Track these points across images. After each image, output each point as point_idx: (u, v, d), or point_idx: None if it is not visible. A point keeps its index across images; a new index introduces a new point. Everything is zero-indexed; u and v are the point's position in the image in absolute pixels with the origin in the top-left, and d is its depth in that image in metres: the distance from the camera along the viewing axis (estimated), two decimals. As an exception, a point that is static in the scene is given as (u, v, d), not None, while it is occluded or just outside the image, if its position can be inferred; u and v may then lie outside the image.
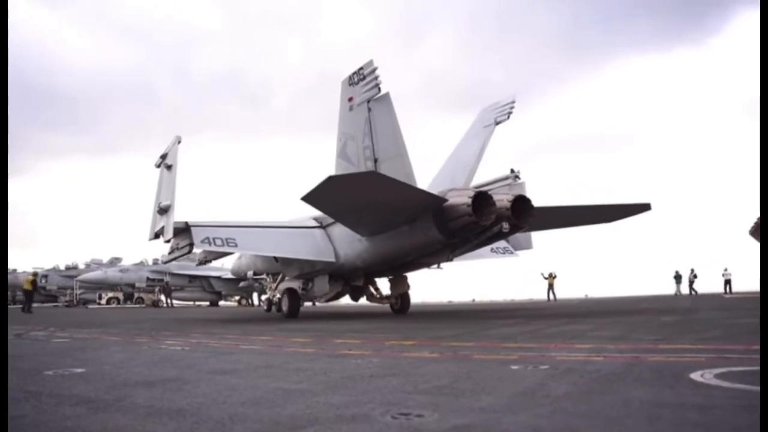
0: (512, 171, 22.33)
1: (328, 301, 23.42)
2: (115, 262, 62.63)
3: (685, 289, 45.56)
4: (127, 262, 60.48)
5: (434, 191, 16.58)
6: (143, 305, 54.82)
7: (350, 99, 17.89)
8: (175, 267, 51.54)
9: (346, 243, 18.67)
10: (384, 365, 6.05)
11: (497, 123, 19.52)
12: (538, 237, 24.61)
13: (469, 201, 15.03)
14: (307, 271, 20.33)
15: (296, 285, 21.42)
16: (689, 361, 5.59)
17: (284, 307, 21.09)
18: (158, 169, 18.75)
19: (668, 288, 46.46)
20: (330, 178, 13.26)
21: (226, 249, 18.05)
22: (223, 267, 45.67)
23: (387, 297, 21.84)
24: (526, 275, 43.17)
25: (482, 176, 23.07)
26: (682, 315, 15.01)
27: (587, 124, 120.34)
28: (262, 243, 19.24)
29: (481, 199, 15.29)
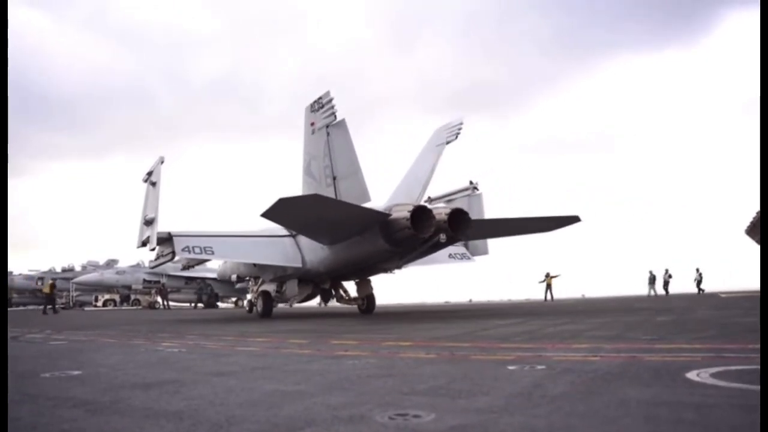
0: (471, 183, 25.44)
1: (300, 302, 25.62)
2: (111, 263, 62.50)
3: (659, 289, 45.46)
4: (123, 264, 60.32)
5: (393, 202, 18.91)
6: (139, 307, 54.63)
7: (312, 124, 20.42)
8: (171, 269, 51.42)
9: (311, 250, 20.80)
10: (381, 366, 6.05)
11: (447, 143, 21.36)
12: (494, 243, 26.65)
13: (408, 215, 16.86)
14: (280, 275, 22.55)
15: (271, 288, 23.24)
16: (686, 361, 5.61)
17: (258, 308, 23.41)
18: (145, 184, 20.71)
19: (642, 289, 46.40)
20: (280, 201, 14.86)
21: (204, 256, 20.65)
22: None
23: (354, 299, 23.60)
24: (485, 279, 44.24)
25: (459, 184, 25.94)
26: (677, 314, 15.06)
27: (585, 124, 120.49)
28: (237, 251, 22.02)
29: (421, 212, 17.13)
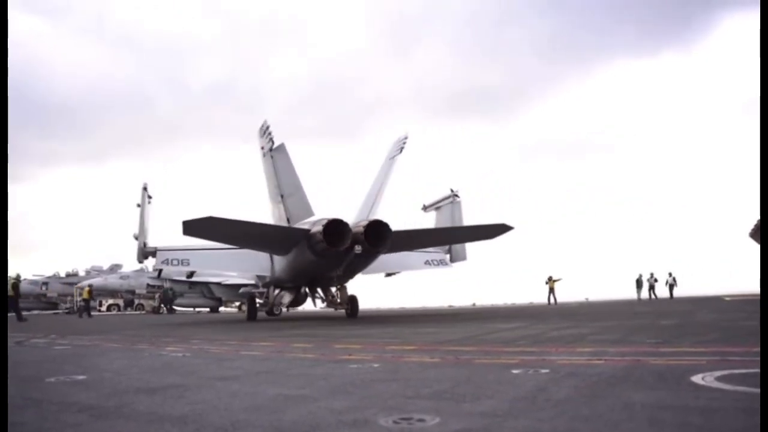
0: (452, 191, 26.66)
1: (288, 306, 27.56)
2: (115, 268, 62.49)
3: (645, 293, 45.12)
4: (127, 268, 60.32)
5: (362, 215, 20.52)
6: (143, 312, 54.64)
7: (262, 148, 22.87)
8: (175, 273, 51.42)
9: (277, 261, 22.59)
10: (385, 370, 6.05)
11: (392, 158, 23.09)
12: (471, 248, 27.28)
13: (321, 229, 18.04)
14: (264, 282, 24.88)
15: (258, 294, 25.65)
16: (690, 364, 5.59)
17: (246, 312, 26.13)
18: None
19: (628, 293, 46.07)
20: (184, 224, 16.43)
21: (181, 268, 23.96)
22: (222, 273, 46.19)
23: (340, 303, 24.61)
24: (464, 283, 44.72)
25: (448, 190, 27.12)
26: (681, 318, 15.01)
27: (585, 125, 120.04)
28: (211, 262, 24.74)
29: (337, 227, 18.12)
